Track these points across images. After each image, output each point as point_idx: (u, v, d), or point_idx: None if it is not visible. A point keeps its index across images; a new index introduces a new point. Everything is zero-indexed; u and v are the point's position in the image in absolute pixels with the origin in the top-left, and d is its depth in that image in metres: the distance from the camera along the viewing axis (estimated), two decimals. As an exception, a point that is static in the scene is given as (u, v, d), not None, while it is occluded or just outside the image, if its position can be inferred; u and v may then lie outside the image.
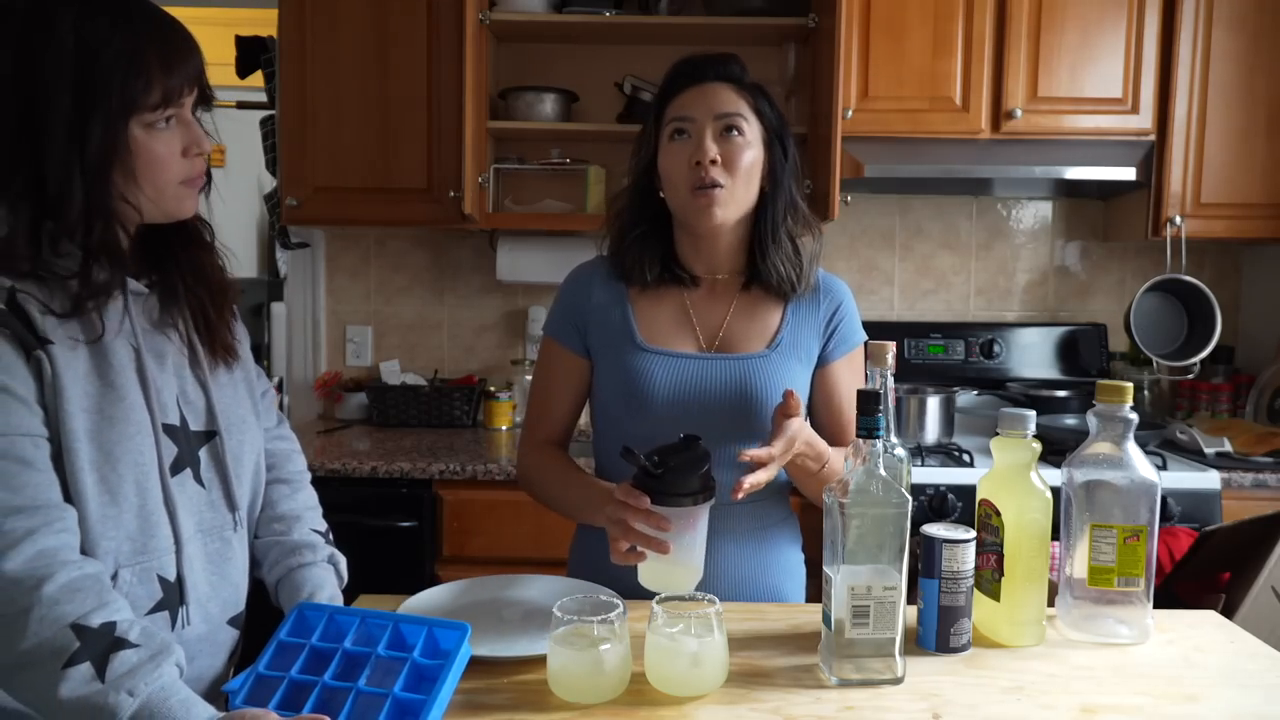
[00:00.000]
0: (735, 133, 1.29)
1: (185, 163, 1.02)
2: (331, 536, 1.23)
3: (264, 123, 2.75)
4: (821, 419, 1.39)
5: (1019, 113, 2.39)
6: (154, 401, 1.00)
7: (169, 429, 1.02)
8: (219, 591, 1.06)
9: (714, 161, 1.27)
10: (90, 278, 0.95)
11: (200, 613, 1.04)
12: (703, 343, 1.36)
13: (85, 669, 0.84)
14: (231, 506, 1.09)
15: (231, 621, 1.09)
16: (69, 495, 0.92)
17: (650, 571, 1.13)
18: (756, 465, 1.16)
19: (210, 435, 1.07)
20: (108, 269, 0.97)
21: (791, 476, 1.33)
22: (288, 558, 1.15)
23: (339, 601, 1.16)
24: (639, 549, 1.11)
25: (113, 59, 0.94)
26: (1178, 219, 2.42)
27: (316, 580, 1.14)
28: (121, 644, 0.86)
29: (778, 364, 1.32)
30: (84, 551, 0.92)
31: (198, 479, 1.05)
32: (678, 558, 1.11)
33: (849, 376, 1.38)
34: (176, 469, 1.02)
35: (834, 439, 1.35)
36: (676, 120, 1.30)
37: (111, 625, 0.87)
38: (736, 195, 1.30)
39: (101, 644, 0.85)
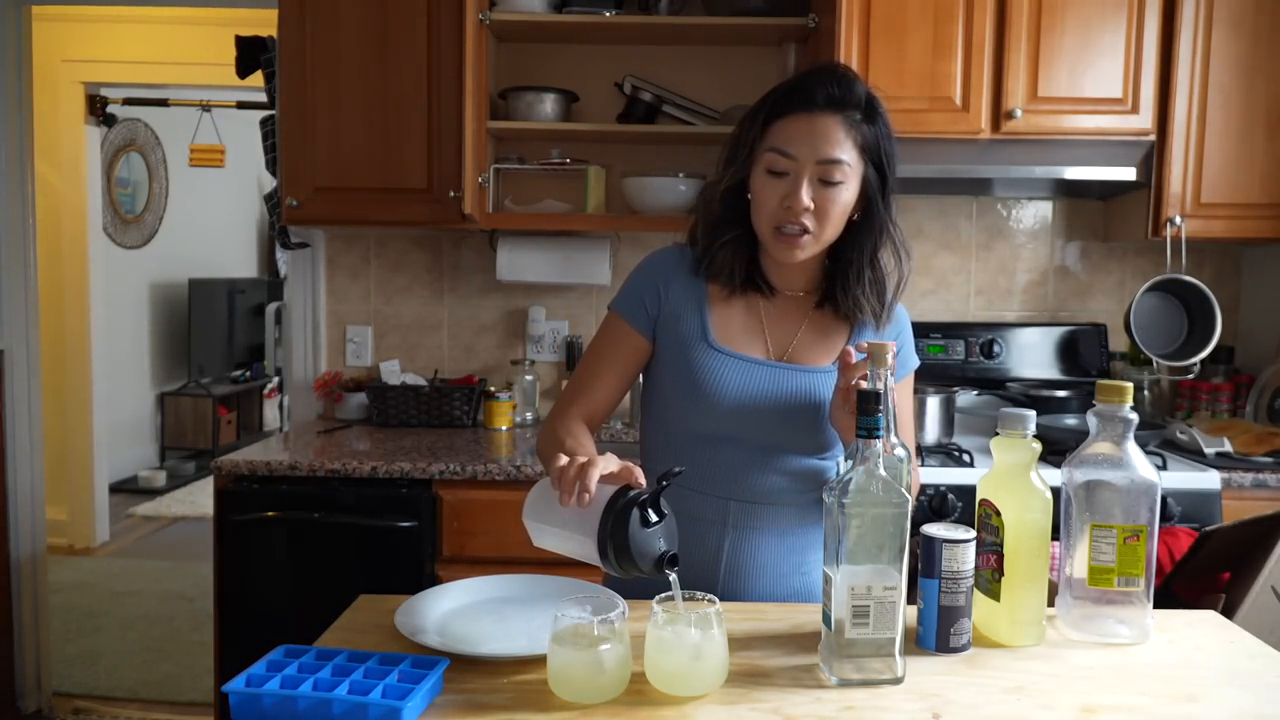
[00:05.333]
0: (834, 180, 1.26)
1: None
2: None
3: (264, 123, 2.75)
4: None
5: (1019, 113, 2.39)
6: None
7: None
8: None
9: (807, 209, 1.26)
10: None
11: None
12: (772, 352, 1.36)
13: None
14: None
15: None
16: None
17: (543, 529, 1.13)
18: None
19: None
20: None
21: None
22: None
23: None
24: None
25: None
26: (1178, 219, 2.42)
27: None
28: None
29: None
30: None
31: None
32: (565, 537, 1.10)
33: (902, 401, 1.39)
34: None
35: None
36: (776, 151, 1.27)
37: None
38: (822, 239, 1.29)
39: None
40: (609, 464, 1.07)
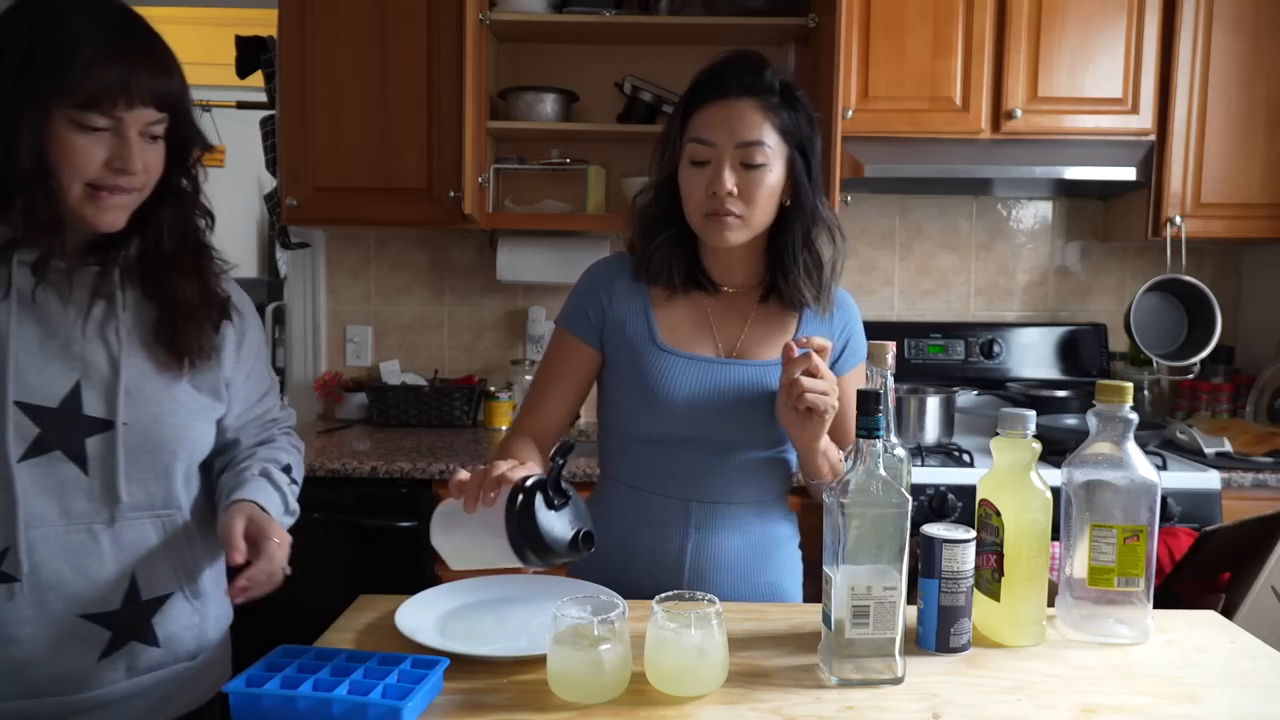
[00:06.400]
0: (755, 162, 1.27)
1: (101, 170, 1.01)
2: (293, 471, 1.24)
3: (264, 123, 2.75)
4: (831, 426, 1.39)
5: (1019, 113, 2.39)
6: (9, 378, 1.02)
7: (31, 408, 1.03)
8: (67, 583, 1.05)
9: (730, 193, 1.27)
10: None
11: (36, 598, 1.04)
12: (721, 349, 1.37)
13: None
14: (111, 499, 1.06)
15: (90, 617, 1.07)
16: None
17: (449, 539, 1.10)
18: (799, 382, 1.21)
19: (107, 424, 1.06)
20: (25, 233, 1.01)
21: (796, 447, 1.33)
22: (227, 471, 1.19)
23: (272, 507, 1.15)
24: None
25: (61, 42, 0.98)
26: (1178, 219, 2.42)
27: (249, 486, 1.14)
28: None
29: None
30: None
31: (80, 464, 1.05)
32: (478, 544, 1.07)
33: (852, 393, 1.38)
34: (37, 450, 1.03)
35: (840, 446, 1.37)
36: (697, 141, 1.29)
37: None
38: (752, 222, 1.30)
39: None
40: (517, 470, 1.05)
